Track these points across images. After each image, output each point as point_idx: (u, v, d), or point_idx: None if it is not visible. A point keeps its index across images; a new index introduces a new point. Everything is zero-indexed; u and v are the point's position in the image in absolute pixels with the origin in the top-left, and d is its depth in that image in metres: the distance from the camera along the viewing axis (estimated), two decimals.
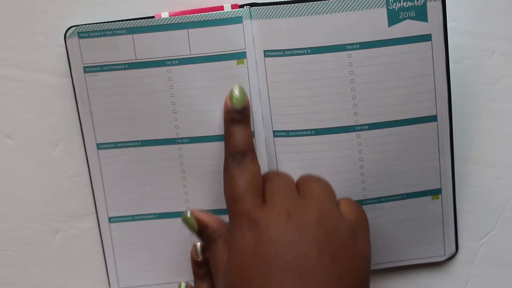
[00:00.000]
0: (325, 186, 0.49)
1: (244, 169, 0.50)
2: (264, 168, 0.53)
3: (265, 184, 0.50)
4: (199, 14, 0.52)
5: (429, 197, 0.54)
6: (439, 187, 0.54)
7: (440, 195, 0.54)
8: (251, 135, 0.51)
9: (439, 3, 0.51)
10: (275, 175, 0.50)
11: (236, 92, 0.52)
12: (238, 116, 0.51)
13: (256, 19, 0.51)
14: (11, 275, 0.57)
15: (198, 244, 0.55)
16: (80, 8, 0.55)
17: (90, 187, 0.55)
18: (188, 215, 0.52)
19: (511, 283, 0.57)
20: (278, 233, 0.46)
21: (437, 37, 0.51)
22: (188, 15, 0.52)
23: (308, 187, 0.49)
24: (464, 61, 0.55)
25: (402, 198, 0.54)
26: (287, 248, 0.46)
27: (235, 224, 0.48)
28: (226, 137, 0.51)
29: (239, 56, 0.52)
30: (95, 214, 0.56)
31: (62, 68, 0.55)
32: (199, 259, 0.54)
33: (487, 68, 0.55)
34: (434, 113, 0.52)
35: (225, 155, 0.51)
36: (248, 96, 0.53)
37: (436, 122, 0.52)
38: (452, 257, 0.56)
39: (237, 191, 0.49)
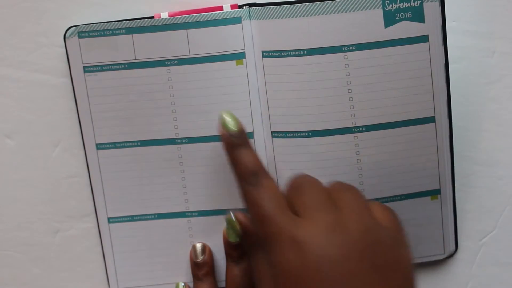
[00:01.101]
0: (359, 196, 0.47)
1: (262, 188, 0.47)
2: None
3: (297, 194, 0.47)
4: (199, 14, 0.52)
5: (428, 198, 0.54)
6: (438, 187, 0.54)
7: (439, 195, 0.54)
8: (255, 153, 0.49)
9: (437, 4, 0.50)
10: (307, 183, 0.48)
11: (227, 117, 0.50)
12: (236, 140, 0.49)
13: (255, 19, 0.51)
14: (11, 275, 0.57)
15: (198, 245, 0.55)
16: (80, 8, 0.55)
17: (90, 187, 0.56)
18: (233, 218, 0.50)
19: (511, 283, 0.57)
20: (323, 249, 0.44)
21: (435, 38, 0.51)
22: (188, 15, 0.52)
23: (342, 197, 0.46)
24: (464, 61, 0.55)
25: (401, 199, 0.54)
26: (335, 266, 0.43)
27: (273, 245, 0.46)
28: (233, 163, 0.49)
29: (238, 56, 0.52)
30: (94, 214, 0.56)
31: (62, 68, 0.55)
32: (198, 260, 0.54)
33: (487, 68, 0.55)
34: (432, 114, 0.52)
35: (237, 181, 0.49)
36: (248, 97, 0.53)
37: (434, 123, 0.52)
38: (451, 255, 0.56)
39: (263, 211, 0.46)
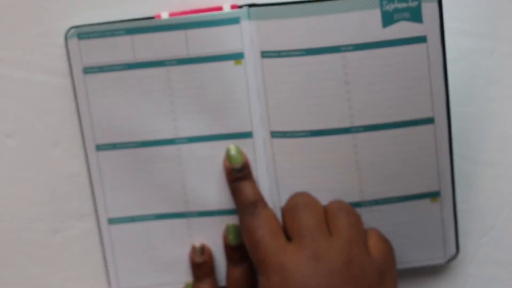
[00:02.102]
0: (355, 222, 0.49)
1: (258, 216, 0.51)
2: (263, 168, 0.53)
3: (291, 218, 0.50)
4: (198, 14, 0.52)
5: (428, 199, 0.54)
6: (437, 189, 0.53)
7: (439, 197, 0.54)
8: (256, 185, 0.52)
9: (435, 4, 0.50)
10: (302, 206, 0.50)
11: (233, 152, 0.53)
12: (239, 174, 0.52)
13: (254, 20, 0.51)
14: (11, 275, 0.57)
15: (197, 245, 0.55)
16: (80, 9, 0.55)
17: (90, 187, 0.56)
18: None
19: (511, 283, 0.57)
20: (305, 278, 0.46)
21: (433, 39, 0.51)
22: (187, 15, 0.52)
23: (337, 223, 0.49)
24: (463, 61, 0.55)
25: (400, 201, 0.53)
26: None
27: (261, 270, 0.49)
28: (234, 195, 0.52)
29: (237, 56, 0.52)
30: (94, 215, 0.56)
31: (62, 68, 0.55)
32: (198, 260, 0.54)
33: (486, 68, 0.55)
34: (431, 115, 0.52)
35: (237, 210, 0.52)
36: (247, 97, 0.53)
37: (433, 124, 0.52)
38: (452, 259, 0.56)
39: (255, 238, 0.49)
